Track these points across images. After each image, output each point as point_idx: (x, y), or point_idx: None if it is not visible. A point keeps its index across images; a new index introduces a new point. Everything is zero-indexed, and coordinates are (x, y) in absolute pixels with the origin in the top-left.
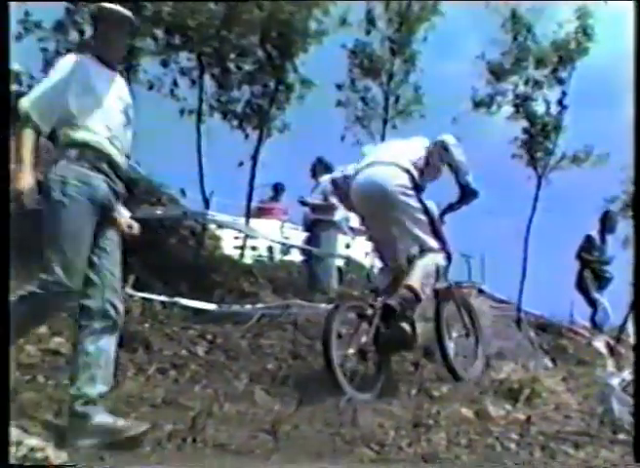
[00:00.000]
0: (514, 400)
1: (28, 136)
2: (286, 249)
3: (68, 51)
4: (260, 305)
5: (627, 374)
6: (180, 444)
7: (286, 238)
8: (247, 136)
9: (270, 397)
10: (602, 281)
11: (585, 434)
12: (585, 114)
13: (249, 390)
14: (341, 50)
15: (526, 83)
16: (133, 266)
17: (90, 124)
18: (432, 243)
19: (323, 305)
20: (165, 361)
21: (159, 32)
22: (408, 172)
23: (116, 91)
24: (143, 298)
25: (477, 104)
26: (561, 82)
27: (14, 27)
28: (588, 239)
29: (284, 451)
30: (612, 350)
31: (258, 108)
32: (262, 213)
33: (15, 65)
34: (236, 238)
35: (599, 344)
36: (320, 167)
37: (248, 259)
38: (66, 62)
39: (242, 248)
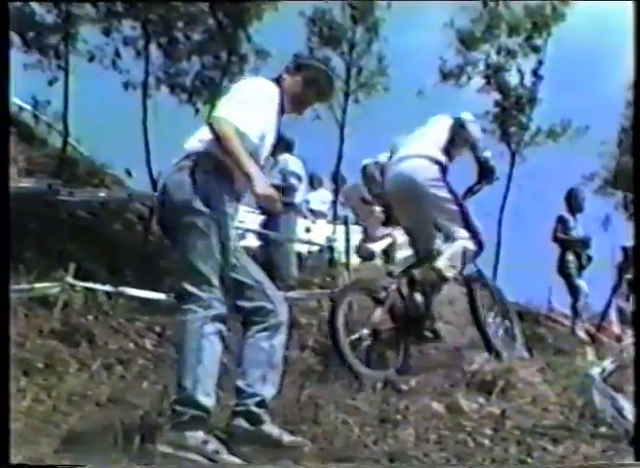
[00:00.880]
0: (488, 392)
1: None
2: (241, 233)
3: None
4: None
5: (608, 364)
6: (127, 445)
7: (241, 221)
8: (197, 111)
9: (225, 393)
10: (583, 263)
11: (564, 428)
12: (562, 85)
13: None
14: (299, 17)
15: (498, 52)
16: (74, 253)
17: None
18: (462, 233)
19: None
20: (110, 355)
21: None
22: (438, 163)
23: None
24: (86, 288)
25: (445, 76)
26: (536, 50)
27: None
28: (561, 219)
29: (240, 450)
30: (592, 338)
31: (208, 81)
32: None
33: None
34: None
35: (581, 333)
36: (279, 144)
37: None
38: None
39: None
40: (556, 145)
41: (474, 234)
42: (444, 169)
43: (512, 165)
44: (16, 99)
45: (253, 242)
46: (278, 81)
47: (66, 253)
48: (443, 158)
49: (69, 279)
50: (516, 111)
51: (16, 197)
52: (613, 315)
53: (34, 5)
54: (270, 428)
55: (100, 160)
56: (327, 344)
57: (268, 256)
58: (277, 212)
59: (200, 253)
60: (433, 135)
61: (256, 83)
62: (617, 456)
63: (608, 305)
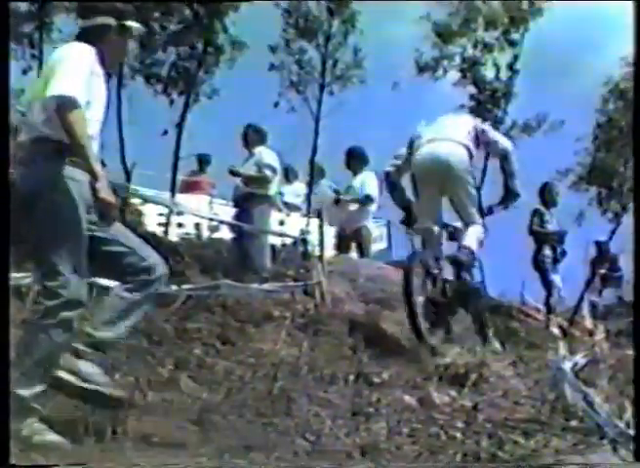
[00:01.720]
0: (460, 386)
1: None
2: (215, 225)
3: None
4: (186, 286)
5: (580, 358)
6: (98, 437)
7: (215, 214)
8: (172, 101)
9: (197, 385)
10: (558, 257)
11: (536, 421)
12: (538, 80)
13: (174, 378)
14: (275, 8)
15: (475, 46)
16: None
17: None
18: (477, 217)
19: (255, 286)
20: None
21: None
22: (466, 147)
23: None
24: None
25: (421, 69)
26: (512, 45)
27: None
28: (537, 212)
29: (212, 443)
30: (564, 332)
31: (184, 72)
32: (189, 186)
33: None
34: (160, 214)
35: (554, 328)
36: (253, 135)
37: (173, 237)
38: (86, 53)
39: (167, 224)
40: (531, 139)
41: (483, 221)
42: (471, 154)
43: (486, 158)
44: None
45: (226, 234)
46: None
47: None
48: (472, 146)
49: None
50: (491, 105)
51: None
52: (585, 309)
53: None
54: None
55: None
56: (299, 336)
57: (242, 249)
58: (112, 220)
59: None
60: (459, 123)
61: (73, 49)
62: (588, 450)
63: (580, 300)
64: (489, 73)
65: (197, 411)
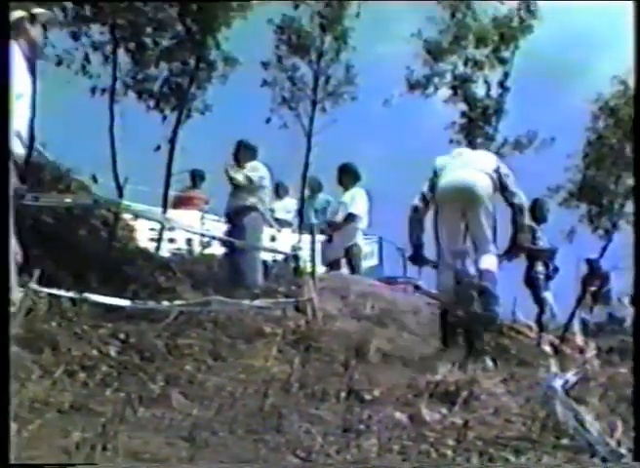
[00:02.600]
0: (451, 403)
1: None
2: (207, 241)
3: None
4: (177, 302)
5: (571, 376)
6: (89, 452)
7: (206, 229)
8: (165, 117)
9: (188, 401)
10: (550, 274)
11: (526, 439)
12: (529, 97)
13: (165, 393)
14: (268, 25)
15: (465, 63)
16: (38, 259)
17: None
18: (494, 246)
19: (246, 302)
20: (73, 362)
21: (68, 2)
22: (491, 178)
23: None
24: (50, 294)
25: (413, 86)
26: (503, 62)
27: None
28: (529, 229)
29: (203, 459)
30: (556, 350)
31: (176, 87)
32: (181, 202)
33: None
34: (152, 229)
35: (546, 345)
36: (244, 152)
37: (165, 252)
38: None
39: (158, 239)
40: (522, 156)
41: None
42: (495, 188)
43: None
44: None
45: (218, 250)
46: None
47: (30, 258)
48: (496, 180)
49: (33, 285)
50: (482, 122)
51: None
52: (576, 327)
53: None
54: None
55: (66, 165)
56: (291, 353)
57: (234, 264)
58: None
59: None
60: (490, 160)
61: None
62: None
63: (571, 317)
64: (480, 90)
65: (188, 428)
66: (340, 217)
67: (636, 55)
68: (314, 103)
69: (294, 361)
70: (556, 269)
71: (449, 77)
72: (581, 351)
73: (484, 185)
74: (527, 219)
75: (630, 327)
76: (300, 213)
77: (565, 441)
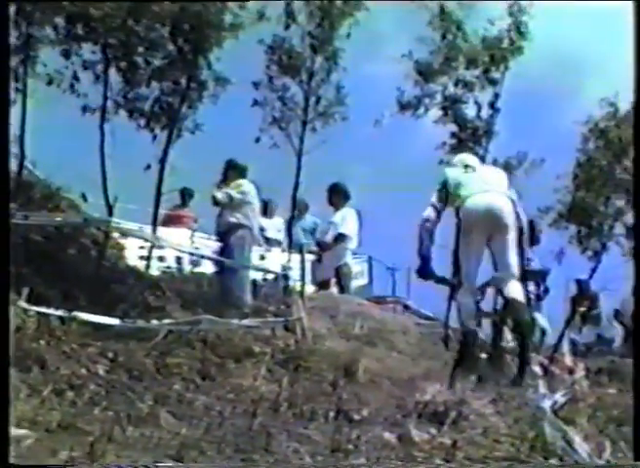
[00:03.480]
0: (439, 423)
1: None
2: (196, 260)
3: None
4: (166, 321)
5: (560, 396)
6: None
7: (196, 248)
8: (155, 136)
9: (177, 420)
10: (541, 295)
11: (515, 459)
12: (519, 118)
13: (153, 413)
14: (259, 45)
15: (456, 84)
16: (28, 277)
17: None
18: (517, 270)
19: (235, 321)
20: (62, 381)
21: (60, 21)
22: (512, 201)
23: None
24: (39, 313)
25: (403, 107)
26: (493, 83)
27: None
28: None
29: None
30: (545, 370)
31: (167, 107)
32: (171, 220)
33: None
34: (142, 248)
35: (535, 366)
36: (232, 171)
37: (154, 271)
38: None
39: (148, 258)
40: (512, 178)
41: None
42: (515, 208)
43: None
44: None
45: (208, 268)
46: None
47: (20, 276)
48: (510, 201)
49: (22, 303)
50: (472, 143)
51: None
52: (565, 347)
53: None
54: None
55: (56, 184)
56: (280, 372)
57: (223, 283)
58: None
59: None
60: (503, 178)
61: None
62: None
63: (561, 337)
64: (470, 111)
65: (176, 447)
66: (330, 237)
67: (636, 56)
68: (304, 123)
69: (282, 380)
70: (547, 290)
71: (439, 98)
72: (570, 372)
73: (510, 210)
74: (526, 235)
75: (619, 347)
76: (290, 232)
77: (553, 461)
